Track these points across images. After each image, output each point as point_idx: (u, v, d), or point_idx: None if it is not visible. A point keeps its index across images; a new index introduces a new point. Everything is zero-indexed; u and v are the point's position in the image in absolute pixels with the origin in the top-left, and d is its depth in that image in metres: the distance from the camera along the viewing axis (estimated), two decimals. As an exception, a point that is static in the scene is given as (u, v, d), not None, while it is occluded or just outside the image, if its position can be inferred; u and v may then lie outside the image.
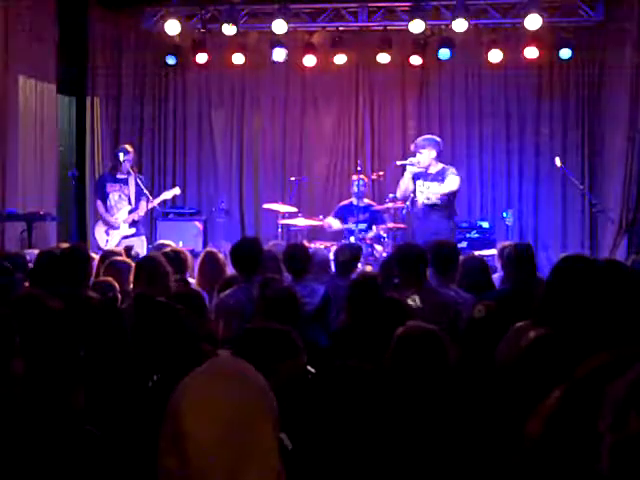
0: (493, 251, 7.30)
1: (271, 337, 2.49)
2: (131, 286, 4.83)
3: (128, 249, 5.90)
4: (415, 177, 7.82)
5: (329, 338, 4.14)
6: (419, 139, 8.01)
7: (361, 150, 10.70)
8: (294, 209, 9.21)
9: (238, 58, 10.23)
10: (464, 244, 8.94)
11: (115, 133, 10.86)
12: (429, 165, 7.74)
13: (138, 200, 8.39)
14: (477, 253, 7.18)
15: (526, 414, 1.86)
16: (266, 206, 9.56)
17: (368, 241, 8.50)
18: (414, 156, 7.80)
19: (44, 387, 2.07)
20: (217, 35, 9.87)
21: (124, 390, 2.66)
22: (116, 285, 4.61)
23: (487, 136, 10.59)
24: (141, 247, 7.99)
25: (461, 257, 5.15)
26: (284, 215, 9.21)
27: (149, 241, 8.91)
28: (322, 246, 8.21)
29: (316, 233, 9.46)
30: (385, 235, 8.63)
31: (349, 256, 5.62)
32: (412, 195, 7.87)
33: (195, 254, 6.26)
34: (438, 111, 10.66)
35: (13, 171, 8.90)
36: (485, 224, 9.58)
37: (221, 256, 5.50)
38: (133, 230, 8.37)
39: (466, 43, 9.88)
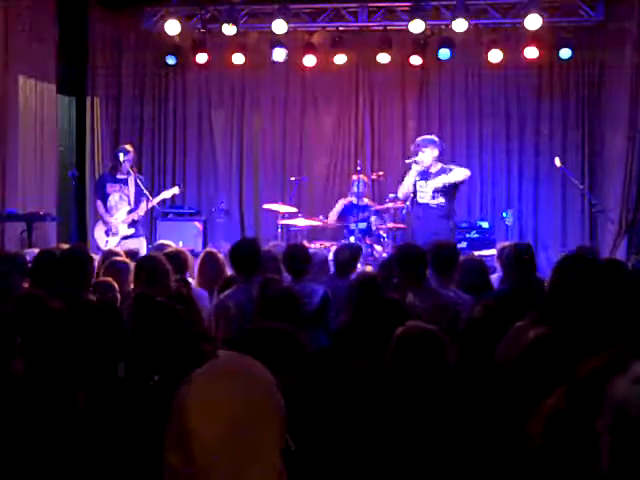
0: (493, 251, 7.30)
1: (278, 338, 2.49)
2: (131, 286, 4.83)
3: (132, 254, 5.88)
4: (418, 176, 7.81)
5: (329, 338, 4.14)
6: (420, 138, 8.00)
7: (361, 150, 10.70)
8: (294, 209, 9.21)
9: (238, 58, 10.24)
10: (464, 244, 8.94)
11: (115, 133, 10.86)
12: (430, 165, 7.74)
13: (138, 200, 8.39)
14: (477, 253, 7.19)
15: (526, 414, 1.86)
16: (266, 206, 9.56)
17: (368, 241, 8.50)
18: (416, 155, 7.79)
19: (45, 386, 2.07)
20: (217, 35, 9.87)
21: (125, 390, 2.66)
22: (115, 285, 4.61)
23: (487, 136, 10.59)
24: (141, 248, 7.98)
25: (460, 258, 5.15)
26: (284, 215, 9.21)
27: (149, 241, 8.91)
28: (322, 246, 8.22)
29: (316, 233, 9.47)
30: (385, 235, 8.63)
31: (348, 256, 5.62)
32: (412, 195, 7.86)
33: (195, 254, 6.26)
34: (438, 111, 10.66)
35: (13, 171, 8.90)
36: (485, 224, 9.59)
37: (221, 256, 5.49)
38: (132, 230, 8.36)
39: (466, 43, 9.88)
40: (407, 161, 7.86)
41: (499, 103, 10.52)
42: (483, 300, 3.69)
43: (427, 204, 7.66)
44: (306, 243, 7.78)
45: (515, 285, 4.53)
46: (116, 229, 8.34)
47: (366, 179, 9.27)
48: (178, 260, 5.19)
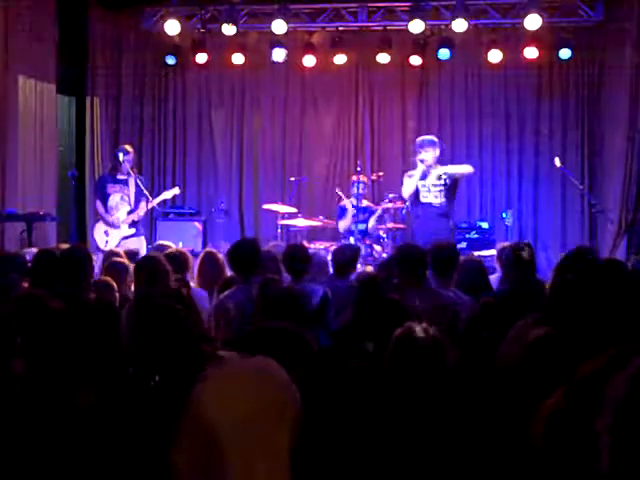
0: (492, 252, 7.30)
1: (284, 337, 2.49)
2: (131, 287, 4.83)
3: (132, 255, 5.89)
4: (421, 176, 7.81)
5: (330, 338, 4.14)
6: (420, 138, 7.98)
7: (361, 150, 10.70)
8: (294, 209, 9.21)
9: (238, 58, 10.24)
10: (464, 244, 8.94)
11: (115, 133, 10.86)
12: (431, 165, 7.74)
13: (138, 201, 8.38)
14: (476, 254, 7.19)
15: (527, 414, 1.86)
16: (266, 206, 9.57)
17: (367, 241, 8.50)
18: (414, 155, 7.79)
19: (45, 387, 2.07)
20: (217, 35, 9.87)
21: (125, 391, 2.65)
22: (114, 285, 4.61)
23: (487, 136, 10.59)
24: (140, 248, 7.98)
25: (460, 258, 5.15)
26: (284, 215, 9.21)
27: (149, 241, 8.91)
28: (322, 247, 8.22)
29: (316, 234, 9.47)
30: (385, 235, 8.63)
31: (348, 257, 5.61)
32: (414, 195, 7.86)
33: (195, 254, 6.26)
34: (438, 111, 10.66)
35: (13, 171, 8.90)
36: (485, 224, 9.59)
37: (221, 256, 5.49)
38: (133, 230, 8.36)
39: (466, 43, 9.88)
40: (415, 158, 7.82)
41: (499, 103, 10.52)
42: (483, 300, 3.69)
43: (429, 203, 7.66)
44: (306, 243, 7.78)
45: (515, 285, 4.53)
46: (116, 228, 8.34)
47: (366, 180, 9.26)
48: (178, 260, 5.19)
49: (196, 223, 10.03)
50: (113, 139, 10.76)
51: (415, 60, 10.08)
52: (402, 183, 7.92)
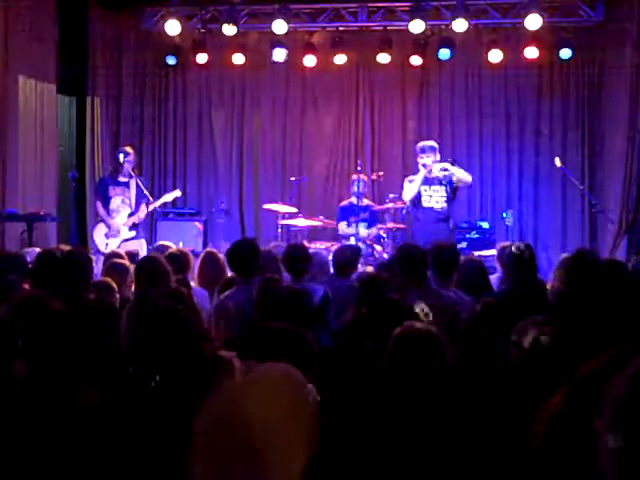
0: (493, 252, 7.30)
1: (284, 338, 2.49)
2: (132, 288, 4.84)
3: (131, 256, 5.89)
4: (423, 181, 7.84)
5: (330, 338, 4.14)
6: (421, 144, 8.03)
7: (361, 150, 10.70)
8: (294, 209, 9.21)
9: (238, 58, 10.24)
10: (464, 244, 8.94)
11: (115, 133, 10.86)
12: (431, 170, 7.77)
13: (139, 203, 8.37)
14: (477, 254, 7.20)
15: (528, 414, 1.86)
16: (266, 206, 9.56)
17: (368, 241, 8.50)
18: (420, 159, 7.82)
19: (49, 387, 2.07)
20: (217, 35, 9.87)
21: (126, 391, 2.66)
22: (114, 286, 4.61)
23: (487, 136, 10.59)
24: (141, 250, 7.98)
25: (460, 258, 5.15)
26: (284, 215, 9.20)
27: (149, 241, 8.91)
28: (322, 247, 8.22)
29: (316, 233, 9.47)
30: (385, 235, 8.62)
31: (349, 257, 5.62)
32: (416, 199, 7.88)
33: (195, 254, 6.26)
34: (438, 111, 10.66)
35: (13, 171, 8.90)
36: (485, 224, 9.58)
37: (221, 257, 5.49)
38: (133, 233, 8.35)
39: (466, 43, 9.88)
40: (420, 162, 7.86)
41: (499, 103, 10.52)
42: (484, 300, 3.69)
43: (430, 208, 7.74)
44: (306, 243, 7.78)
45: (515, 285, 4.54)
46: (117, 231, 8.33)
47: (366, 179, 9.27)
48: (179, 260, 5.20)
49: (196, 223, 10.03)
50: (113, 139, 10.76)
51: (415, 60, 10.08)
52: (402, 186, 7.95)
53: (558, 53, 9.65)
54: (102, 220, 8.47)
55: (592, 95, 10.25)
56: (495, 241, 8.77)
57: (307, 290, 4.02)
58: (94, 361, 2.71)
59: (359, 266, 5.97)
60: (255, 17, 10.15)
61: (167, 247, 5.90)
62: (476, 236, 9.31)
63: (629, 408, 1.21)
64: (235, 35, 9.71)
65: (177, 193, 8.89)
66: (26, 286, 4.52)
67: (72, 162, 10.52)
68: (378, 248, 8.47)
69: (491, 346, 2.94)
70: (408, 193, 7.80)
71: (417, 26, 9.25)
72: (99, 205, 8.50)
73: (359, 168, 8.94)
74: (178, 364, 2.58)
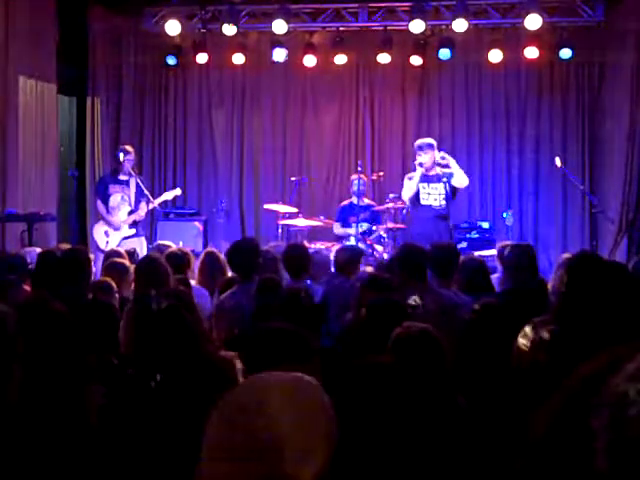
0: (493, 251, 7.29)
1: (284, 338, 2.49)
2: (131, 287, 4.84)
3: (129, 254, 5.89)
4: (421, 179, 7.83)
5: (331, 338, 4.14)
6: (419, 141, 8.02)
7: (361, 150, 10.70)
8: (294, 209, 9.20)
9: (238, 58, 10.24)
10: (464, 244, 8.94)
11: (115, 133, 10.86)
12: (430, 167, 7.77)
13: (138, 201, 8.38)
14: (477, 253, 7.19)
15: (529, 414, 1.86)
16: (266, 206, 9.56)
17: (369, 241, 8.50)
18: (419, 156, 7.81)
19: (51, 388, 2.07)
20: (217, 35, 9.88)
21: (126, 390, 2.66)
22: (114, 286, 4.61)
23: (487, 136, 10.59)
24: (141, 248, 7.99)
25: (460, 258, 5.15)
26: (284, 215, 9.20)
27: (149, 241, 8.91)
28: (323, 247, 8.21)
29: (316, 233, 9.46)
30: (385, 235, 8.62)
31: (349, 257, 5.62)
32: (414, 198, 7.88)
33: (195, 254, 6.27)
34: (438, 111, 10.66)
35: (13, 171, 8.90)
36: (485, 224, 9.58)
37: (221, 256, 5.50)
38: (133, 231, 8.36)
39: (466, 43, 9.89)
40: (416, 162, 7.86)
41: (499, 103, 10.52)
42: (484, 300, 3.68)
43: (429, 205, 7.73)
44: (306, 243, 7.78)
45: (516, 285, 4.53)
46: (117, 229, 8.34)
47: (366, 178, 9.27)
48: (180, 260, 5.21)
49: (196, 223, 10.03)
50: (113, 139, 10.75)
51: (416, 60, 10.08)
52: (402, 185, 7.95)
53: (558, 53, 9.66)
54: (102, 218, 8.48)
55: (592, 95, 10.25)
56: (495, 241, 8.76)
57: (305, 290, 4.02)
58: (97, 362, 2.71)
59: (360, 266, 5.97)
60: (255, 17, 10.15)
61: (167, 246, 5.91)
62: (476, 236, 9.31)
63: (626, 409, 1.20)
64: (235, 35, 9.71)
65: (177, 191, 8.90)
66: (26, 287, 4.53)
67: (72, 162, 10.52)
68: (378, 248, 8.46)
69: (491, 346, 2.94)
70: (407, 192, 7.81)
71: (417, 26, 9.26)
72: (100, 205, 8.51)
73: (359, 168, 8.93)
74: (178, 364, 2.58)
